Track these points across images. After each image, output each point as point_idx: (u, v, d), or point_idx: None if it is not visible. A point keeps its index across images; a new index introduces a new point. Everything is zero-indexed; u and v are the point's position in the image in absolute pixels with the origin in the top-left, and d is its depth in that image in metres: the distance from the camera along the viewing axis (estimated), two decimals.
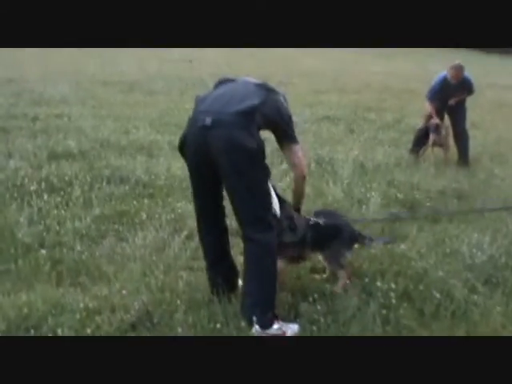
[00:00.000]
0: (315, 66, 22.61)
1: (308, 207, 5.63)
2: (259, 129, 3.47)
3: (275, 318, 3.54)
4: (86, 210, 5.43)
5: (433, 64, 22.49)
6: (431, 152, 8.29)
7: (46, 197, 5.60)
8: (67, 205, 5.51)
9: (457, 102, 8.11)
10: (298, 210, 4.06)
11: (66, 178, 6.17)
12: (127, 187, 6.10)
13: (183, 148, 3.63)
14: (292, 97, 12.26)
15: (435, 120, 8.00)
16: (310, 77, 19.08)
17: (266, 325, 3.48)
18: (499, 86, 15.79)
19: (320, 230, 4.07)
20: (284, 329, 3.52)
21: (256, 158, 3.40)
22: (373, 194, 6.15)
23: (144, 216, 5.28)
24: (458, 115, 8.24)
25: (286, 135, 3.66)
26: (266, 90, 3.57)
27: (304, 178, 3.84)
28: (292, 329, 3.56)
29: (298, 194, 4.01)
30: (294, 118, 3.75)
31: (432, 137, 8.11)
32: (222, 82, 3.76)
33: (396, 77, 20.53)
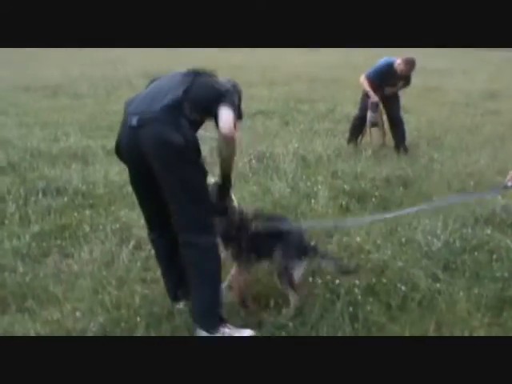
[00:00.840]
0: (241, 62, 22.49)
1: (257, 206, 5.53)
2: (195, 122, 3.30)
3: (222, 322, 3.41)
4: (23, 227, 5.10)
5: (354, 54, 22.86)
6: (369, 137, 8.30)
7: None
8: (2, 223, 5.17)
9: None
10: (225, 188, 3.66)
11: None
12: (65, 199, 5.77)
13: (119, 152, 3.47)
14: None
15: (374, 98, 7.98)
16: (238, 72, 18.93)
17: (212, 330, 3.35)
18: (426, 71, 16.05)
19: (259, 234, 3.76)
20: (233, 333, 3.38)
21: (185, 154, 3.19)
22: (319, 187, 6.07)
23: (87, 228, 5.00)
24: (391, 103, 8.25)
25: (219, 102, 3.30)
26: (194, 74, 3.40)
27: (228, 140, 3.28)
28: (243, 334, 3.42)
29: (223, 163, 3.48)
30: None
31: (370, 115, 8.11)
32: (152, 81, 3.61)
33: (322, 68, 20.67)
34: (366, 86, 8.01)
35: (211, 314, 3.39)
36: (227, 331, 3.37)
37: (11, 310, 3.79)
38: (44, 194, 5.89)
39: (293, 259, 3.72)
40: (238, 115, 3.58)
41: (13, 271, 4.27)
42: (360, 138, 8.45)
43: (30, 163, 7.13)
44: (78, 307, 3.70)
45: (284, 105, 12.13)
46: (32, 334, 3.37)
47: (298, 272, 3.74)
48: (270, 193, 6.01)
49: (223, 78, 3.63)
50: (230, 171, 3.53)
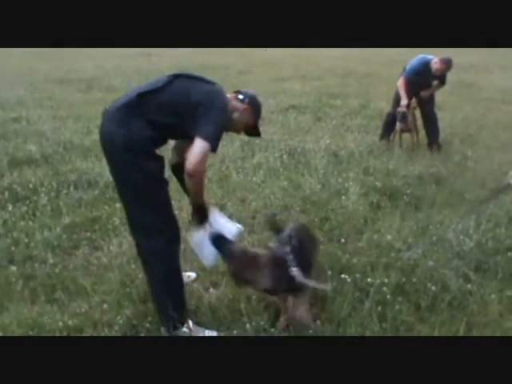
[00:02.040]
0: (275, 55, 22.44)
1: (287, 201, 5.50)
2: (160, 124, 3.11)
3: (181, 322, 3.37)
4: (54, 218, 5.16)
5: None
6: (400, 138, 8.15)
7: (10, 207, 5.33)
8: (34, 214, 5.24)
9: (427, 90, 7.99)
10: (200, 209, 3.39)
11: (31, 186, 5.88)
12: (96, 191, 5.83)
13: None
14: (254, 86, 12.20)
15: (401, 108, 7.80)
16: (270, 65, 18.92)
17: (171, 330, 3.33)
18: (459, 67, 15.78)
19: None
20: (195, 333, 3.37)
21: (127, 154, 3.04)
22: (350, 183, 6.00)
23: (117, 221, 5.03)
24: (426, 100, 8.09)
25: (194, 123, 3.07)
26: (174, 77, 3.23)
27: (191, 176, 3.05)
28: (205, 334, 3.40)
29: (191, 193, 3.31)
30: None
31: (399, 125, 7.98)
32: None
33: (356, 61, 20.48)
34: (402, 91, 7.83)
35: (165, 317, 3.32)
36: (187, 331, 3.35)
37: (40, 300, 3.84)
38: (75, 187, 5.95)
39: None
40: (255, 129, 3.58)
41: (43, 262, 4.33)
42: (392, 135, 8.32)
43: (62, 156, 7.22)
44: (105, 300, 3.73)
45: (316, 100, 12.00)
46: (60, 325, 3.40)
47: None
48: (301, 188, 5.97)
49: (245, 92, 3.47)
50: (198, 202, 3.32)
